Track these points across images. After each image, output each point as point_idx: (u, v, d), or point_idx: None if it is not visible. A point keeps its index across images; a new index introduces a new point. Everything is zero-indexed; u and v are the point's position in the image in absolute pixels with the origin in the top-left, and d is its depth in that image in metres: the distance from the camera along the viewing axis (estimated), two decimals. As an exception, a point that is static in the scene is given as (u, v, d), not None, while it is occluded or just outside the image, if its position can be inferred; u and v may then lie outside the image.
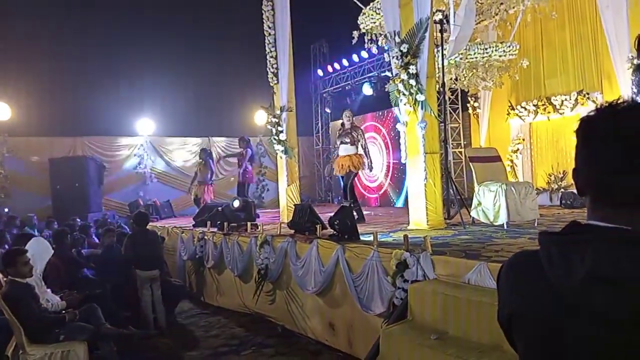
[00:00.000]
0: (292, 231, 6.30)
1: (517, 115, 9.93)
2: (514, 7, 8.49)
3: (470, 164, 6.57)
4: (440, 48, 7.12)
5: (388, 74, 7.69)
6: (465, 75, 8.75)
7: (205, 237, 7.82)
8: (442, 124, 7.68)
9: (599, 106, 0.92)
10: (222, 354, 5.46)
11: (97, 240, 8.67)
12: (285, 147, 8.75)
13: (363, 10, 9.04)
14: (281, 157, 8.93)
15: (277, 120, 8.80)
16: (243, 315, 6.90)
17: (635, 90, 3.87)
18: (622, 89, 7.13)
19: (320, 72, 15.26)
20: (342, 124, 7.86)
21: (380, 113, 12.74)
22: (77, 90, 12.60)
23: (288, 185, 8.81)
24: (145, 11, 12.98)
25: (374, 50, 10.61)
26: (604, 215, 0.90)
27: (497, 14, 8.69)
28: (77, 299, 5.45)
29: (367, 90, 12.68)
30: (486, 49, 8.18)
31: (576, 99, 8.83)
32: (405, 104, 6.16)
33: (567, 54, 9.13)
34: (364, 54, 12.73)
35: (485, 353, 3.10)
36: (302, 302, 5.77)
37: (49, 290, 5.28)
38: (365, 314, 4.56)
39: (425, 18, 5.93)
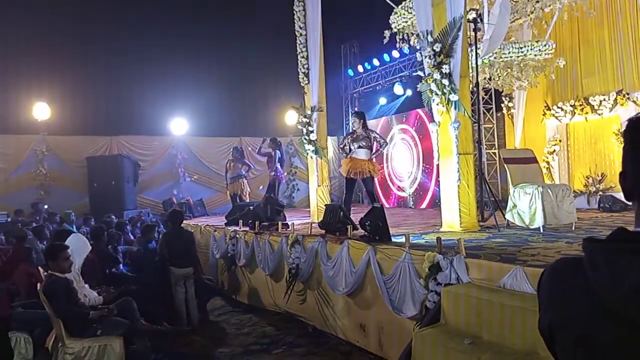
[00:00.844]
0: (323, 231, 6.31)
1: (553, 115, 9.70)
2: (550, 5, 8.30)
3: (505, 165, 6.45)
4: (474, 47, 7.02)
5: (420, 73, 7.61)
6: (500, 74, 8.60)
7: (237, 236, 7.91)
8: (476, 125, 7.54)
9: None
10: (253, 352, 5.50)
11: (132, 237, 8.86)
12: (315, 147, 8.77)
13: (395, 10, 8.99)
14: (312, 157, 8.95)
15: (307, 120, 8.82)
16: (274, 314, 6.95)
17: None
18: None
19: (350, 72, 15.23)
20: (354, 131, 7.37)
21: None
22: (113, 90, 12.94)
23: (318, 186, 8.82)
24: (179, 13, 13.22)
25: (406, 49, 10.52)
26: None
27: (532, 12, 8.50)
28: (113, 295, 5.58)
29: (398, 90, 12.60)
30: (521, 48, 8.02)
31: (615, 99, 8.58)
32: (438, 104, 6.09)
33: (605, 53, 8.88)
34: (395, 54, 12.65)
35: (520, 359, 3.04)
36: (333, 302, 5.77)
37: (86, 285, 5.43)
38: (396, 316, 4.54)
39: (458, 17, 5.85)
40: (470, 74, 6.70)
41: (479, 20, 7.20)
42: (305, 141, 8.90)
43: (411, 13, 8.36)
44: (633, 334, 0.80)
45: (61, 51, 12.27)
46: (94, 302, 5.23)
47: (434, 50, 5.91)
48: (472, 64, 6.85)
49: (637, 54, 8.33)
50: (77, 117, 12.87)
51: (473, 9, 7.66)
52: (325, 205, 7.41)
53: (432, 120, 6.28)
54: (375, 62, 13.80)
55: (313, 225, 6.92)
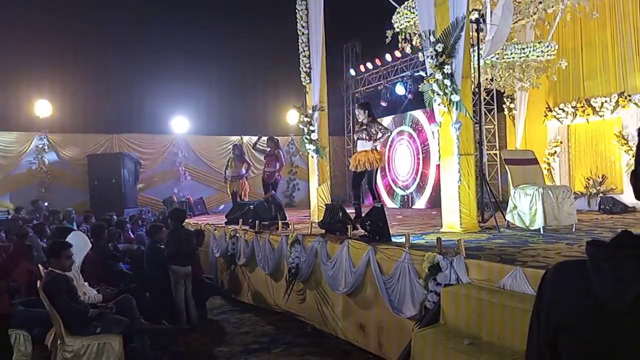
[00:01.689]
0: (323, 231, 6.30)
1: (554, 117, 9.69)
2: (552, 6, 8.28)
3: (506, 166, 6.44)
4: (476, 48, 7.01)
5: (422, 73, 7.60)
6: (502, 75, 8.58)
7: (237, 235, 7.91)
8: (477, 125, 7.53)
9: None
10: (253, 351, 5.50)
11: (132, 236, 8.86)
12: (316, 147, 8.77)
13: (397, 9, 8.97)
14: (312, 157, 8.94)
15: (309, 120, 8.81)
16: (273, 314, 6.95)
17: None
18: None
19: (352, 72, 15.22)
20: (361, 123, 7.29)
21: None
22: (114, 88, 12.95)
23: (319, 185, 8.82)
24: (181, 12, 13.22)
25: (408, 49, 10.51)
26: None
27: (535, 13, 8.49)
28: (113, 293, 5.58)
29: (400, 90, 12.59)
30: (523, 49, 8.01)
31: (617, 101, 8.57)
32: (439, 104, 6.08)
33: (607, 55, 8.87)
34: (397, 54, 12.63)
35: (520, 360, 3.04)
36: (333, 302, 5.76)
37: (86, 283, 5.42)
38: (396, 316, 4.53)
39: (461, 17, 5.84)
40: (472, 75, 6.69)
41: (481, 20, 7.18)
42: (306, 140, 8.90)
43: (414, 13, 8.35)
44: (637, 340, 0.79)
45: (62, 49, 12.28)
46: (94, 299, 5.22)
47: (436, 51, 5.90)
48: (474, 64, 6.84)
49: (639, 56, 8.32)
50: (78, 114, 12.89)
51: (476, 10, 7.65)
52: (326, 204, 7.41)
53: (434, 121, 6.26)
54: (377, 62, 13.79)
55: (313, 224, 6.91)
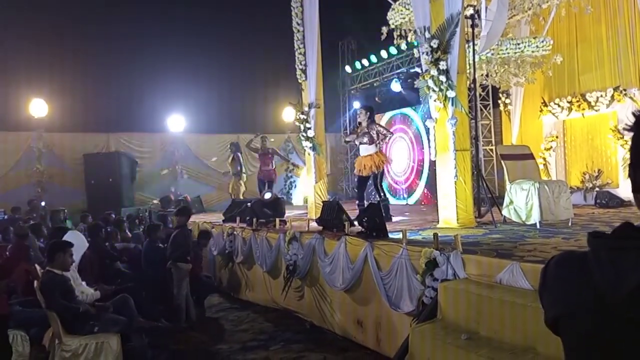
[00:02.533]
0: (321, 228, 6.31)
1: (550, 112, 9.71)
2: (547, 2, 8.31)
3: (502, 161, 6.46)
4: (471, 43, 7.01)
5: (418, 70, 7.61)
6: (497, 71, 8.60)
7: (235, 233, 7.91)
8: (473, 121, 7.56)
9: None
10: (251, 349, 5.51)
11: (130, 235, 8.85)
12: (313, 144, 8.76)
13: (392, 6, 8.97)
14: (309, 154, 8.95)
15: (305, 117, 8.81)
16: (272, 311, 6.96)
17: None
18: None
19: (348, 69, 15.22)
20: (359, 123, 7.55)
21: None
22: (110, 87, 12.91)
23: (316, 182, 8.82)
24: (176, 10, 13.19)
25: (403, 46, 10.51)
26: None
27: (530, 9, 8.50)
28: (111, 291, 5.58)
29: (395, 87, 12.59)
30: (518, 44, 8.02)
31: (612, 96, 8.59)
32: (435, 101, 6.09)
33: (602, 49, 8.89)
34: (393, 50, 12.63)
35: (517, 354, 3.05)
36: (331, 298, 5.78)
37: (83, 282, 5.42)
38: (393, 312, 4.55)
39: (456, 13, 5.84)
40: (468, 71, 6.70)
41: (476, 16, 7.20)
42: (302, 138, 8.89)
43: (409, 9, 8.35)
44: (637, 332, 0.79)
45: (58, 48, 12.23)
46: (91, 298, 5.22)
47: (431, 47, 5.90)
48: (469, 60, 6.84)
49: (634, 51, 8.34)
50: (74, 114, 12.84)
51: (470, 5, 7.66)
52: (323, 201, 7.42)
53: (429, 116, 6.27)
54: (373, 58, 13.78)
55: (310, 221, 6.92)
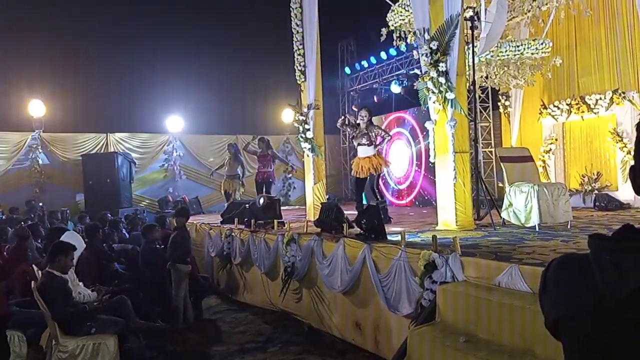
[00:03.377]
0: (319, 229, 6.29)
1: (549, 114, 9.71)
2: (547, 4, 8.30)
3: (501, 164, 6.44)
4: (470, 45, 7.01)
5: (417, 71, 7.60)
6: (496, 73, 8.59)
7: (233, 234, 7.89)
8: (472, 123, 7.55)
9: None
10: (249, 350, 5.49)
11: (127, 236, 8.83)
12: (312, 145, 8.75)
13: (392, 7, 8.95)
14: (308, 155, 8.93)
15: (304, 118, 8.80)
16: (270, 313, 6.94)
17: None
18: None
19: (347, 70, 15.21)
20: (358, 124, 7.49)
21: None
22: (108, 88, 12.90)
23: (315, 184, 8.80)
24: (174, 10, 13.18)
25: (403, 47, 10.50)
26: None
27: (529, 11, 8.50)
28: (107, 293, 5.55)
29: (395, 88, 12.59)
30: (518, 46, 8.02)
31: (611, 98, 8.59)
32: (434, 102, 6.07)
33: (601, 52, 8.89)
34: (392, 52, 12.63)
35: (516, 357, 3.04)
36: (329, 300, 5.76)
37: (81, 283, 5.40)
38: (392, 314, 4.53)
39: (455, 15, 5.83)
40: (467, 72, 6.69)
41: (476, 18, 7.18)
42: (301, 139, 8.88)
43: (408, 11, 8.33)
44: (637, 334, 0.79)
45: (56, 48, 12.22)
46: (89, 298, 5.20)
47: (430, 48, 5.89)
48: (468, 62, 6.83)
49: (633, 53, 8.34)
50: (72, 114, 12.83)
51: (470, 7, 7.65)
52: (321, 203, 7.41)
53: (428, 118, 6.26)
54: (373, 60, 13.78)
55: (309, 223, 6.90)
